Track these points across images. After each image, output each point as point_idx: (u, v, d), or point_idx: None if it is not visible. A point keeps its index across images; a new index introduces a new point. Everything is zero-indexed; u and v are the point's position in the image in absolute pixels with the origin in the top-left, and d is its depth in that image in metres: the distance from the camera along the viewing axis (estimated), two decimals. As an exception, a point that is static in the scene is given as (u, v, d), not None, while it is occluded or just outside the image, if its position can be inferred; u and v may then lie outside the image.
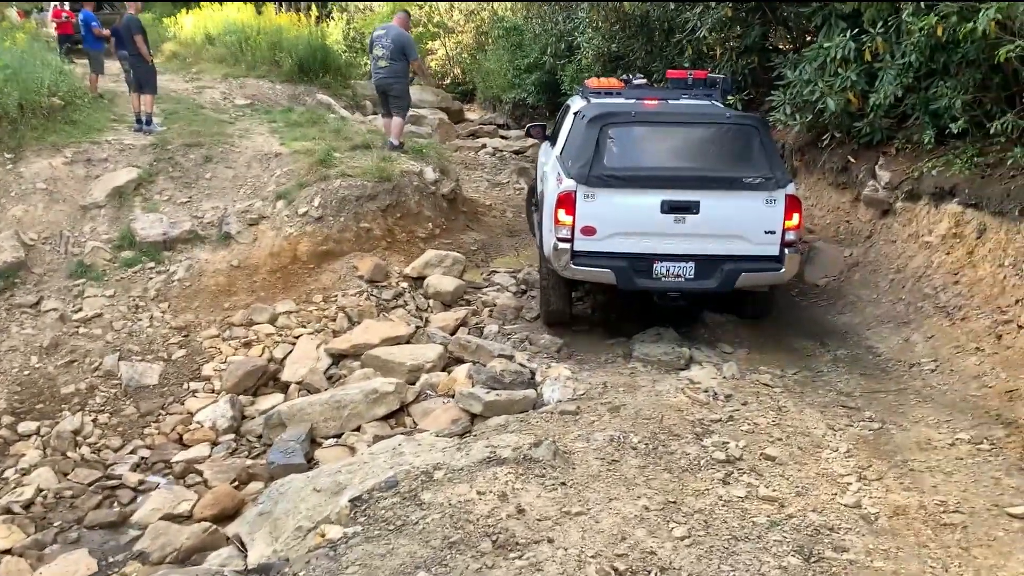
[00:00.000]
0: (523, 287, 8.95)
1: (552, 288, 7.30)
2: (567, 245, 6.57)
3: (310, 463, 5.69)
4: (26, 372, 6.94)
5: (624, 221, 6.55)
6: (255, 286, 8.57)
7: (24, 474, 5.81)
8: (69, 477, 5.83)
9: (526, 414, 5.60)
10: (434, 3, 24.55)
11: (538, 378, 6.34)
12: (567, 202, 6.51)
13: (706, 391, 5.82)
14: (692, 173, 6.66)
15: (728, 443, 4.77)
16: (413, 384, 6.71)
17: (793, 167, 10.39)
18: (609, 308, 8.19)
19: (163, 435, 6.39)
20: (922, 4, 7.01)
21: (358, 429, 6.08)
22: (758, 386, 5.98)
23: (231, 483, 5.66)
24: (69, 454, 6.07)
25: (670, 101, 7.94)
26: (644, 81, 9.31)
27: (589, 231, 6.54)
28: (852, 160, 9.15)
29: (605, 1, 13.52)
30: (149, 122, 11.99)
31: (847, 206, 9.19)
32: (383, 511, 4.03)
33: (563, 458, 4.27)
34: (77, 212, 9.51)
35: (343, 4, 27.86)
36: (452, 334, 7.78)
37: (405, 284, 8.80)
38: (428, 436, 4.90)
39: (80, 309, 7.98)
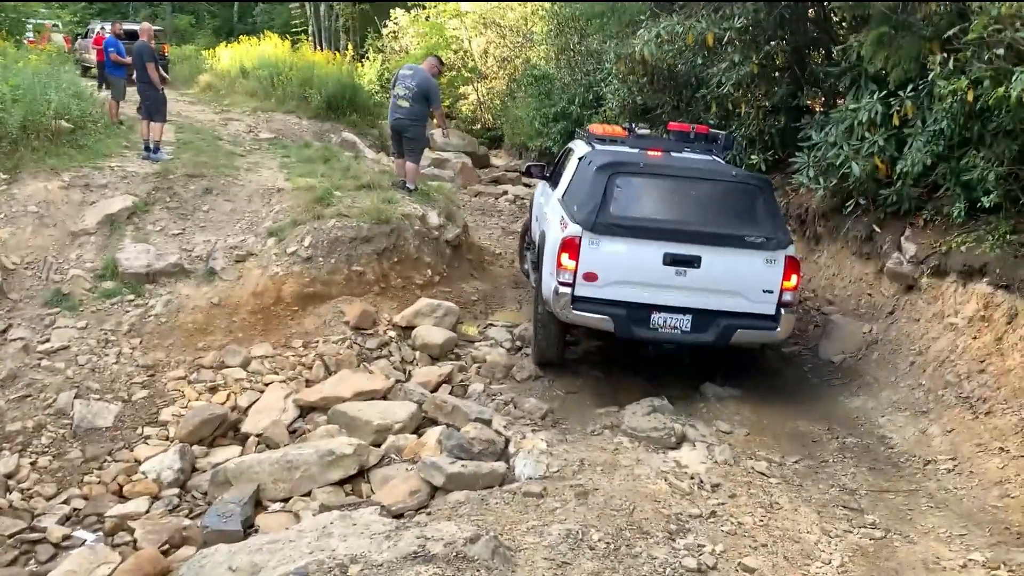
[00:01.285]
0: (518, 343, 8.42)
1: (546, 329, 7.29)
2: (568, 290, 6.57)
3: (249, 530, 5.17)
4: (-26, 405, 6.53)
5: (626, 269, 6.60)
6: (233, 326, 8.13)
7: (-59, 521, 5.35)
8: (-11, 527, 5.37)
9: (488, 491, 5.05)
10: (468, 49, 24.48)
11: (511, 449, 5.79)
12: (571, 247, 6.52)
13: (692, 477, 5.23)
14: (696, 228, 6.64)
15: (704, 546, 4.17)
16: (379, 446, 6.19)
17: (816, 233, 9.82)
18: (609, 361, 7.68)
19: (103, 484, 5.90)
20: (951, 65, 6.47)
21: (309, 494, 5.56)
22: (752, 475, 5.37)
23: (160, 546, 5.14)
24: (-3, 500, 5.62)
25: (673, 153, 7.93)
26: (648, 131, 9.30)
27: (591, 277, 6.56)
28: (877, 229, 8.56)
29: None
30: (157, 150, 11.78)
31: (870, 278, 8.57)
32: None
33: (503, 558, 3.70)
34: (66, 238, 9.20)
35: (380, 45, 27.96)
36: (433, 391, 7.27)
37: (393, 333, 8.33)
38: (368, 514, 4.37)
39: (47, 340, 7.59)
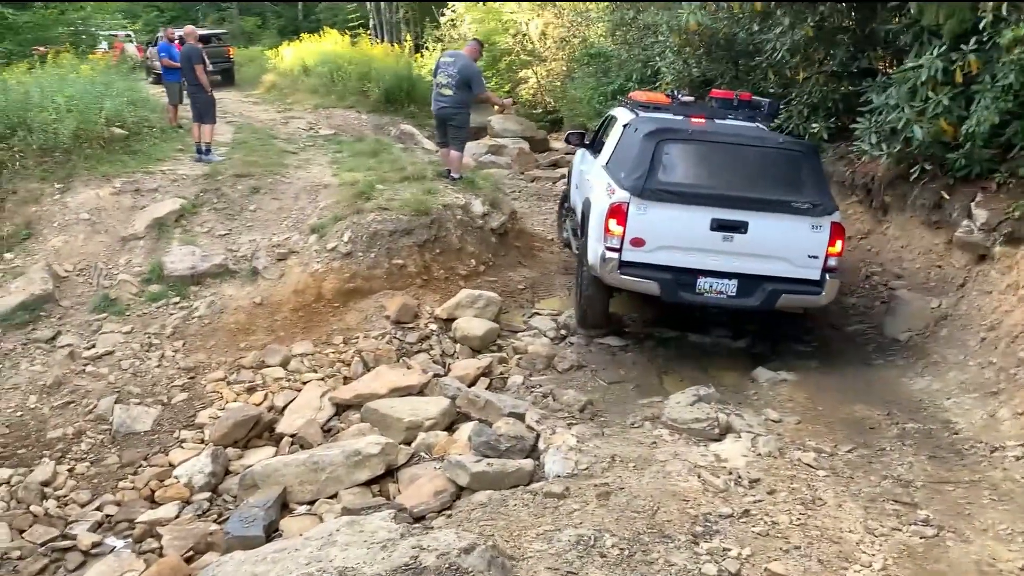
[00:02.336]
0: (562, 332, 8.15)
1: (590, 293, 7.41)
2: (615, 255, 6.69)
3: (273, 534, 5.08)
4: (19, 413, 6.64)
5: (673, 235, 6.67)
6: (275, 325, 8.11)
7: (-22, 530, 5.42)
8: (24, 535, 5.41)
9: (512, 492, 4.81)
10: (526, 32, 24.11)
11: (541, 444, 5.54)
12: (619, 213, 6.63)
13: (730, 472, 4.88)
14: (743, 194, 6.67)
15: (729, 550, 3.85)
16: (410, 443, 6.02)
17: (883, 203, 9.21)
18: (656, 348, 7.36)
19: (136, 490, 5.90)
20: (1003, 9, 5.86)
21: (335, 496, 5.43)
22: (797, 467, 4.99)
23: (185, 553, 5.09)
24: (33, 508, 5.65)
25: (716, 120, 7.91)
26: (691, 99, 9.23)
27: (638, 242, 6.67)
28: (946, 196, 7.94)
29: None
30: (208, 152, 11.91)
31: (940, 249, 7.98)
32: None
33: (500, 569, 3.46)
34: (116, 244, 9.34)
35: (439, 35, 27.84)
36: (471, 384, 7.08)
37: (434, 326, 8.16)
38: (377, 520, 4.17)
39: (93, 345, 7.70)
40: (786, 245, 6.62)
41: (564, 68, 22.94)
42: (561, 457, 5.17)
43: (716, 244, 6.59)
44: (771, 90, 11.64)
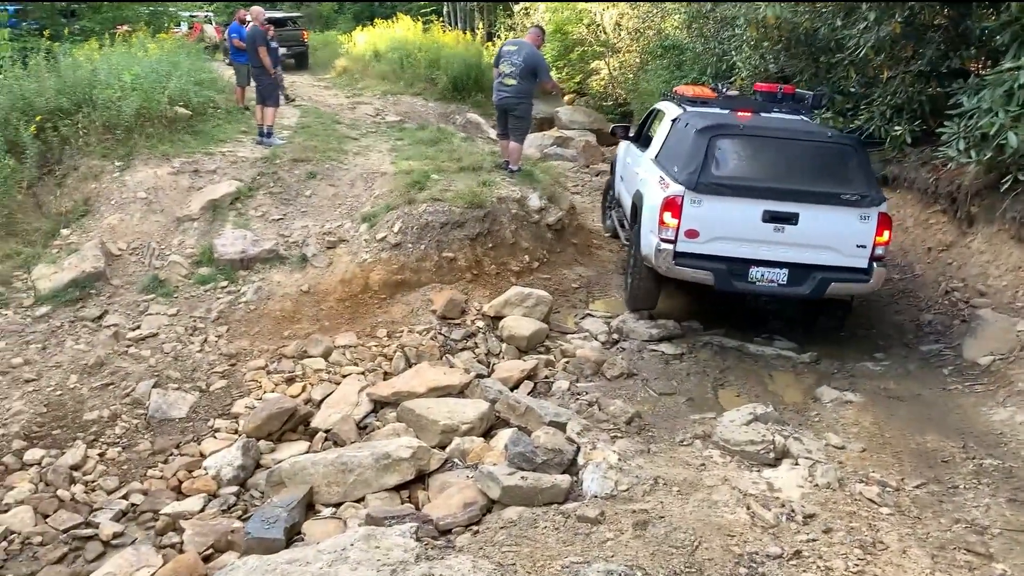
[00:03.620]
0: (614, 336, 7.80)
1: (643, 281, 7.66)
2: (670, 246, 6.95)
3: (295, 536, 4.87)
4: (59, 392, 6.57)
5: (726, 226, 6.89)
6: (321, 315, 7.93)
7: (3, 512, 5.33)
8: (48, 520, 5.30)
9: (545, 510, 4.50)
10: (600, 22, 23.60)
11: (580, 459, 5.20)
12: (673, 206, 6.88)
13: (782, 505, 4.48)
14: (793, 186, 6.89)
15: (775, 599, 3.46)
16: (445, 447, 5.76)
17: (969, 213, 8.57)
18: (713, 358, 6.93)
19: (164, 479, 5.76)
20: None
21: (362, 499, 5.20)
22: (858, 502, 4.56)
23: (205, 550, 4.91)
24: (60, 492, 5.53)
25: (762, 114, 8.24)
26: (736, 92, 9.54)
27: (692, 234, 6.92)
28: (1040, 209, 7.34)
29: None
30: (270, 135, 11.85)
31: (1032, 266, 7.37)
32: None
33: (515, 608, 3.16)
34: (171, 224, 9.30)
35: (511, 23, 27.52)
36: (514, 387, 6.79)
37: (481, 323, 7.88)
38: (395, 536, 3.90)
39: (138, 326, 7.63)
40: (835, 235, 6.84)
41: (637, 60, 22.38)
42: (600, 475, 4.83)
43: (768, 235, 6.84)
44: (852, 89, 11.04)
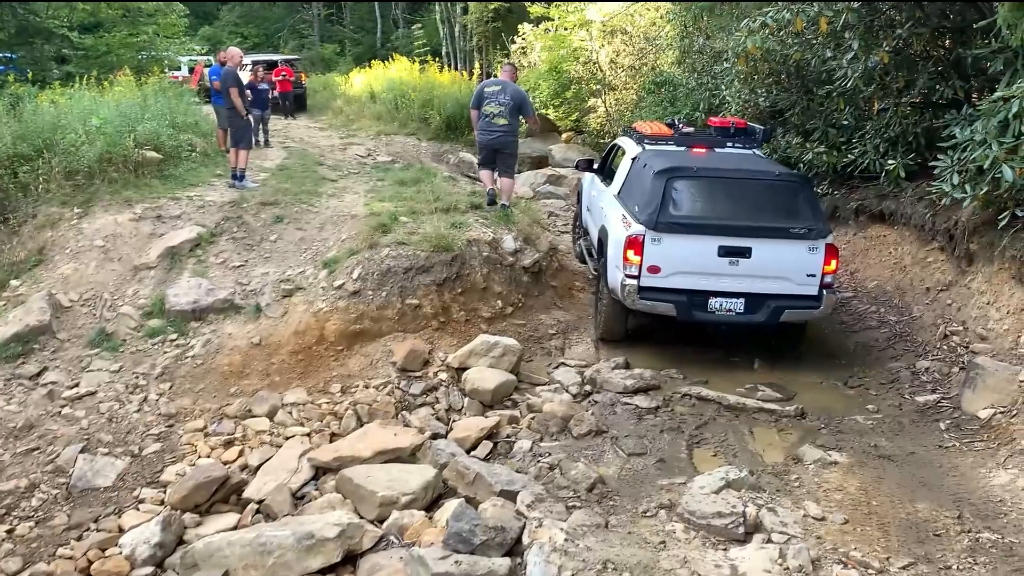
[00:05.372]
0: (587, 388, 7.25)
1: (611, 312, 7.95)
2: (634, 281, 7.32)
3: (201, 630, 4.32)
4: (-22, 460, 6.10)
5: (686, 262, 7.30)
6: (271, 369, 7.43)
7: None
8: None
9: (475, 603, 3.94)
10: (596, 60, 23.33)
11: (526, 538, 4.64)
12: (636, 244, 7.26)
13: (746, 596, 3.90)
14: (745, 222, 7.33)
15: None
16: (383, 522, 5.20)
17: (968, 252, 8.00)
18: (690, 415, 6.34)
19: (72, 560, 5.22)
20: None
21: (282, 585, 4.64)
22: (835, 590, 3.97)
23: (100, 646, 4.38)
24: (-46, 578, 5.06)
25: (716, 149, 8.68)
26: (691, 129, 9.94)
27: (655, 270, 7.30)
28: (1042, 247, 6.79)
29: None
30: (243, 178, 11.47)
31: (1034, 308, 6.80)
32: None
33: None
34: (128, 273, 8.86)
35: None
36: (472, 448, 6.26)
37: (445, 375, 7.36)
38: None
39: (76, 384, 7.16)
40: (786, 266, 7.26)
41: (634, 97, 22.07)
42: (543, 560, 4.27)
43: (724, 268, 7.23)
44: (844, 122, 10.58)
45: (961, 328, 7.50)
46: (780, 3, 9.06)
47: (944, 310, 7.90)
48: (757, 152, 8.86)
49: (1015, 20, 6.03)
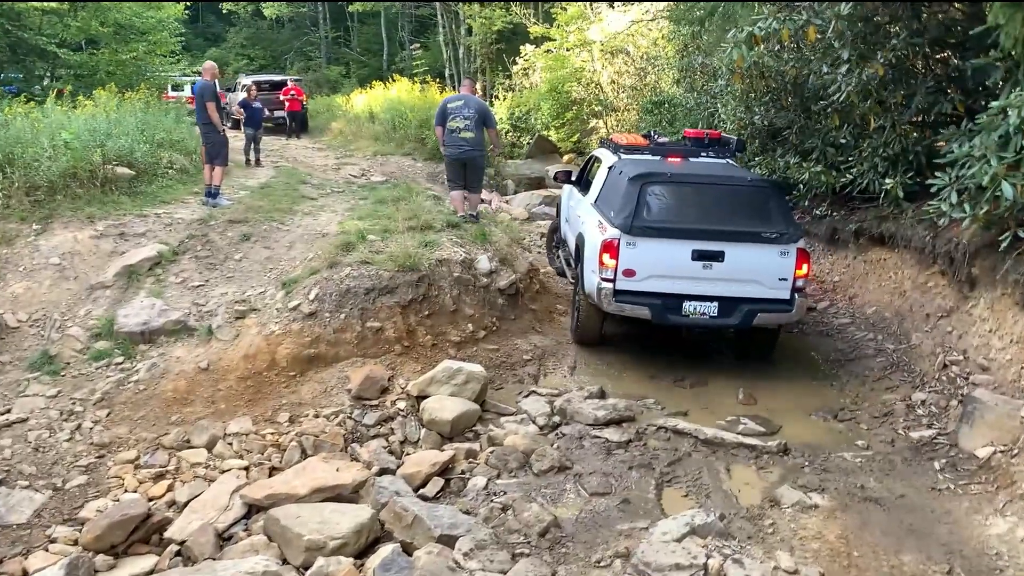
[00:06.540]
0: (555, 420, 6.71)
1: (587, 316, 8.03)
2: (610, 285, 7.37)
3: None
4: None
5: (660, 265, 7.34)
6: (217, 396, 6.94)
7: None
8: None
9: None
10: (597, 80, 22.96)
11: (457, 593, 4.11)
12: (611, 248, 7.31)
13: (693, 668, 3.36)
14: (718, 227, 7.37)
15: None
16: (307, 569, 4.68)
17: (970, 275, 7.45)
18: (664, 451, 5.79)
19: (-36, 608, 4.76)
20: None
21: (182, 642, 4.13)
22: (799, 663, 3.42)
23: None
24: None
25: (691, 159, 8.77)
26: (666, 140, 10.11)
27: (630, 273, 7.34)
28: (1047, 270, 6.24)
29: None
30: (216, 195, 11.08)
31: (1039, 337, 6.24)
32: None
33: None
34: (83, 292, 8.44)
35: (511, 83, 27.07)
36: (421, 486, 5.72)
37: (403, 404, 6.86)
38: None
39: (8, 411, 6.69)
40: (759, 270, 7.31)
41: (636, 117, 21.67)
42: (468, 619, 3.75)
43: (698, 272, 7.27)
44: (843, 140, 10.05)
45: (961, 358, 6.93)
46: (768, 9, 8.55)
47: (944, 338, 7.34)
48: (731, 161, 8.99)
49: (1006, 18, 5.53)
